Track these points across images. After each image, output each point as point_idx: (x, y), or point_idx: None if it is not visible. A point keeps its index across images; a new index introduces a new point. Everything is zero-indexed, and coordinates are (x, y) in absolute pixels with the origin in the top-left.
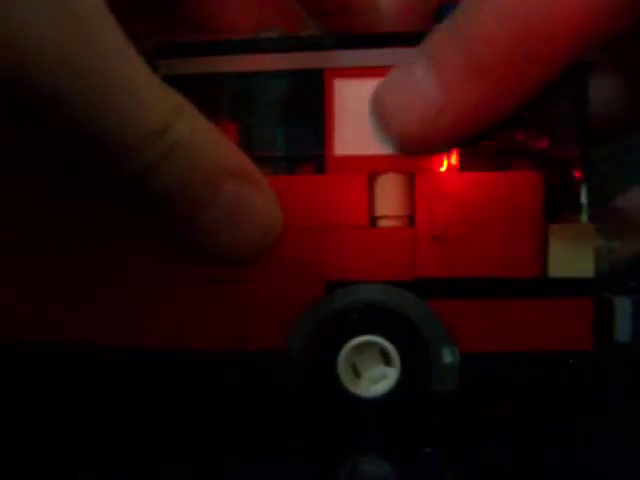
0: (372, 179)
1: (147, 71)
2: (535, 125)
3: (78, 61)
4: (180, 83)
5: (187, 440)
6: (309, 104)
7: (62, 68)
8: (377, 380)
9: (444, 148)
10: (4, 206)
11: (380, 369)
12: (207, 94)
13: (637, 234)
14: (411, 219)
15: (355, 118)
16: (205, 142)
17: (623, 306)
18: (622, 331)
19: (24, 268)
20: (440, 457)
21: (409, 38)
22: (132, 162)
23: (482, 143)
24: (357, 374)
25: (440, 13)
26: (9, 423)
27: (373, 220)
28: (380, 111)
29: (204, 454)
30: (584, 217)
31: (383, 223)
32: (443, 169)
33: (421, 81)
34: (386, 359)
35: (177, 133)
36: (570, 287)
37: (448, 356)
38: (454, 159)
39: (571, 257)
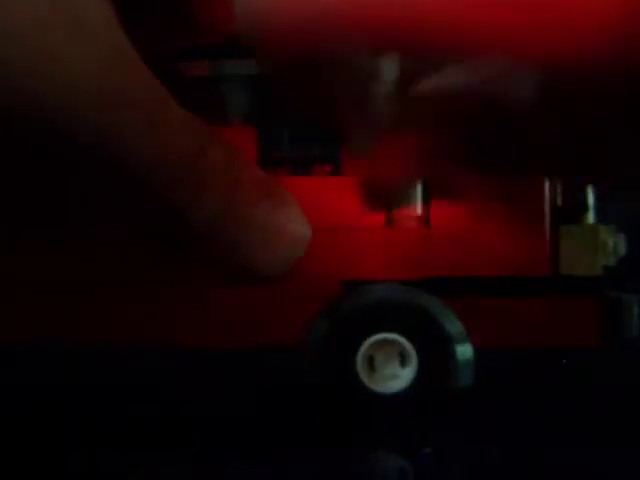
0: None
1: (175, 102)
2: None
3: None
4: (199, 85)
5: (187, 440)
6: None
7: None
8: (391, 378)
9: None
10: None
11: (395, 369)
12: (225, 96)
13: None
14: (426, 219)
15: None
16: (238, 166)
17: (630, 304)
18: (629, 329)
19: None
20: (440, 456)
21: None
22: (174, 193)
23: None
24: (373, 369)
25: None
26: (9, 422)
27: (389, 220)
28: None
29: (204, 454)
30: (591, 217)
31: (399, 223)
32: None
33: None
34: (402, 360)
35: (212, 159)
36: (579, 285)
37: (464, 353)
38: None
39: (580, 256)
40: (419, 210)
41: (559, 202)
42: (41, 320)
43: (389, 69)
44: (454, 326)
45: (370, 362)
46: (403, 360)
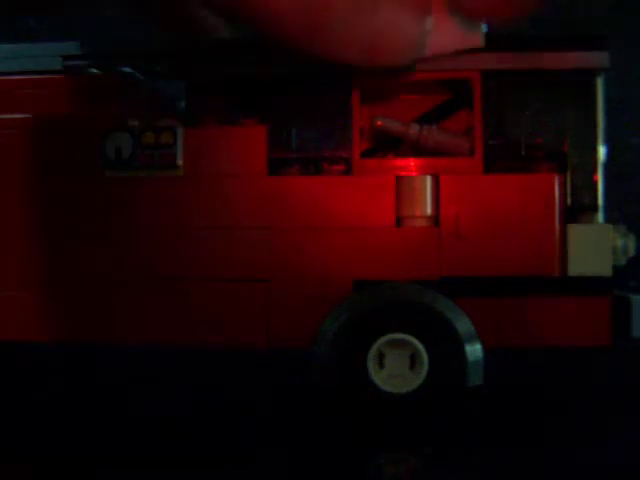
0: (398, 180)
1: None
2: (553, 130)
3: None
4: (212, 86)
5: (188, 440)
6: (336, 107)
7: None
8: (402, 378)
9: None
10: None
11: (406, 369)
12: (237, 97)
13: None
14: (436, 219)
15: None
16: None
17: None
18: (639, 328)
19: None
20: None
21: None
22: None
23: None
24: (384, 369)
25: None
26: (10, 422)
27: (399, 220)
28: None
29: (204, 453)
30: (601, 217)
31: (409, 223)
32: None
33: None
34: (413, 360)
35: None
36: (589, 285)
37: (474, 353)
38: (478, 161)
39: (590, 256)
40: (429, 210)
41: (569, 202)
42: (37, 320)
43: None
44: (465, 326)
45: (381, 362)
46: (414, 360)
